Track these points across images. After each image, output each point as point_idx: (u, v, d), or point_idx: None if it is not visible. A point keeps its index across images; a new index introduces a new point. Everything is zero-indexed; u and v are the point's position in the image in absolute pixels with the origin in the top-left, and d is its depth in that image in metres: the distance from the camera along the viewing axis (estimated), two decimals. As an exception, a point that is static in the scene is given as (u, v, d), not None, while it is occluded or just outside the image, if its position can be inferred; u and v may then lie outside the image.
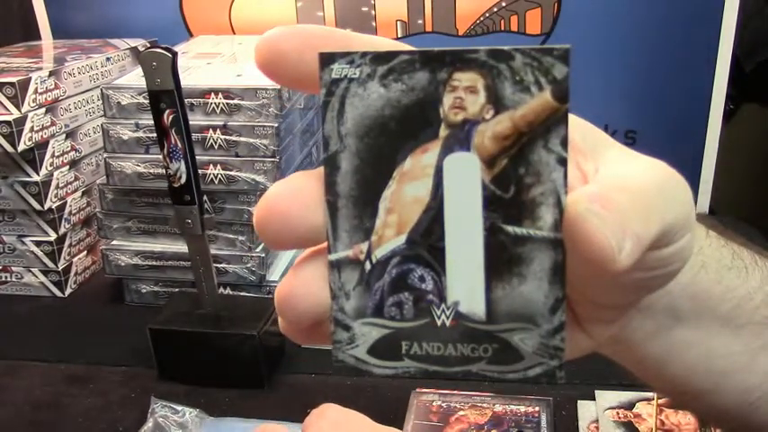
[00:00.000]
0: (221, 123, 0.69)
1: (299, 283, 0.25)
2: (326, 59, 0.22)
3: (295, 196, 0.25)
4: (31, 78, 0.72)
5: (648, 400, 0.56)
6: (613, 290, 0.28)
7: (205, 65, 0.77)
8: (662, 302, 0.33)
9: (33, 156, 0.73)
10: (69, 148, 0.78)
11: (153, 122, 0.56)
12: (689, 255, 0.29)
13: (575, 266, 0.25)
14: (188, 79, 0.70)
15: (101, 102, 0.71)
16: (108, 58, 0.85)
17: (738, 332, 0.37)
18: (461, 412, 0.56)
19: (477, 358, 0.24)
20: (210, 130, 0.69)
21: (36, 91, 0.72)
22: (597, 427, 0.54)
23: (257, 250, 0.71)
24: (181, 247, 0.70)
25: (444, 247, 0.23)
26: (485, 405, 0.56)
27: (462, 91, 0.23)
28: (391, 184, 0.23)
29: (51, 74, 0.75)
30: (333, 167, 0.23)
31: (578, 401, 0.57)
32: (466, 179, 0.23)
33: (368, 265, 0.24)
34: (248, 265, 0.71)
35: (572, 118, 0.24)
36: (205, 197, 0.60)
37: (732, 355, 0.37)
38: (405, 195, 0.23)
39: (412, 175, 0.23)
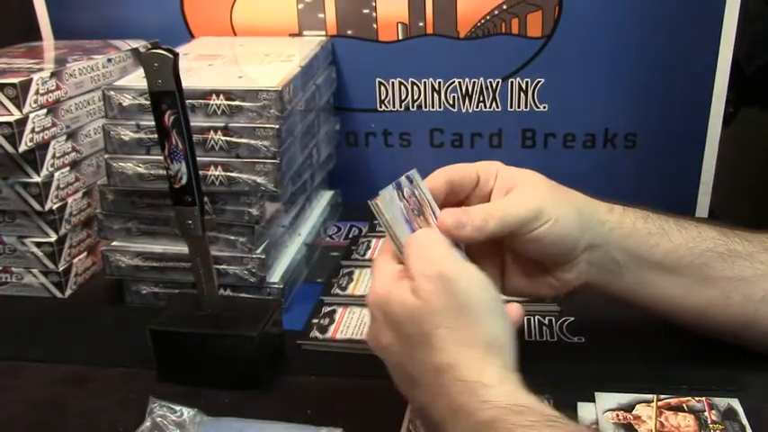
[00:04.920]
0: (222, 125, 0.69)
1: None
2: None
3: None
4: (32, 79, 0.72)
5: (648, 402, 0.56)
6: (536, 251, 0.56)
7: (206, 66, 0.78)
8: (606, 257, 0.57)
9: (34, 157, 0.73)
10: (70, 149, 0.78)
11: (154, 123, 0.56)
12: (554, 233, 0.54)
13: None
14: (189, 80, 0.70)
15: (102, 103, 0.71)
16: (109, 60, 0.85)
17: (672, 273, 0.58)
18: (461, 414, 0.56)
19: None
20: (211, 132, 0.69)
21: (37, 92, 0.73)
22: (597, 429, 0.54)
23: (257, 252, 0.71)
24: (181, 248, 0.70)
25: None
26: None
27: None
28: None
29: (53, 75, 0.75)
30: None
31: (578, 403, 0.57)
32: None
33: None
34: (248, 267, 0.71)
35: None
36: (206, 198, 0.60)
37: (675, 287, 0.58)
38: None
39: None
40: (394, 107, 0.95)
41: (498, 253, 0.58)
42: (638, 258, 0.58)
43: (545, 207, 0.54)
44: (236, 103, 0.68)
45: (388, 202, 0.52)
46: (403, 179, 0.53)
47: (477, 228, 0.52)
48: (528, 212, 0.54)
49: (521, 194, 0.55)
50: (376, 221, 0.92)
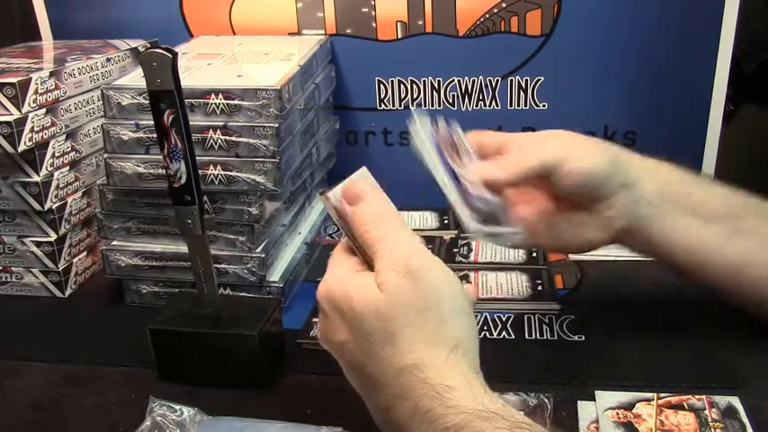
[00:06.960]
0: (221, 124, 0.69)
1: None
2: None
3: None
4: (31, 79, 0.72)
5: (648, 400, 0.56)
6: (571, 186, 0.58)
7: (205, 65, 0.77)
8: (642, 199, 0.59)
9: (34, 156, 0.73)
10: (69, 149, 0.78)
11: (153, 123, 0.56)
12: (587, 166, 0.58)
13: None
14: (188, 80, 0.70)
15: (101, 102, 0.71)
16: (108, 59, 0.85)
17: (706, 223, 0.60)
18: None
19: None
20: (210, 131, 0.69)
21: (36, 91, 0.73)
22: (597, 428, 0.54)
23: (257, 251, 0.71)
24: (181, 247, 0.70)
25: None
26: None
27: None
28: None
29: (52, 74, 0.75)
30: None
31: (578, 402, 0.57)
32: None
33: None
34: (248, 266, 0.71)
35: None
36: (205, 197, 0.60)
37: (709, 237, 0.60)
38: None
39: None
40: (393, 106, 0.95)
41: (543, 206, 0.62)
42: (674, 202, 0.60)
43: (576, 146, 0.59)
44: (236, 102, 0.68)
45: (418, 126, 0.52)
46: (440, 118, 0.54)
47: (514, 170, 0.57)
48: (561, 151, 0.58)
49: (554, 140, 0.60)
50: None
